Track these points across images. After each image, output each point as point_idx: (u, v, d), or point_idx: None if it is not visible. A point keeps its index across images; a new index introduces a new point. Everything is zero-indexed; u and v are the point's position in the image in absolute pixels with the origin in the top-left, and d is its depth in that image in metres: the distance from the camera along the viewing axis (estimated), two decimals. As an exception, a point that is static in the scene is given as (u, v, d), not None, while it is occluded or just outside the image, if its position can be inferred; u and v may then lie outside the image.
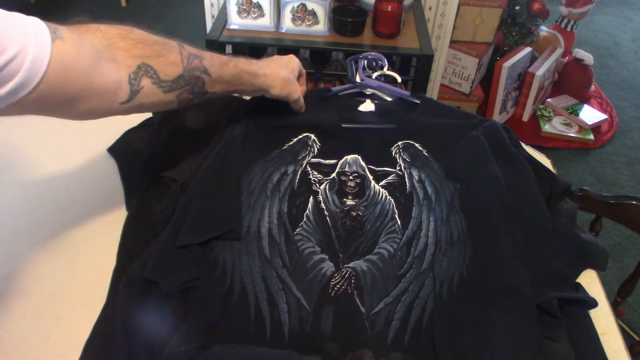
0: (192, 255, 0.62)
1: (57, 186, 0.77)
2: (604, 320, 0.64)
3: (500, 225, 0.66)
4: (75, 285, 0.64)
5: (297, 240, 0.67)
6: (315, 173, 0.75)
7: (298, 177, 0.74)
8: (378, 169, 0.77)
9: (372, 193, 0.73)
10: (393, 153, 0.79)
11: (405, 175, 0.76)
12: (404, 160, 0.78)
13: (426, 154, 0.79)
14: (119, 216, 0.72)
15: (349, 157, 0.78)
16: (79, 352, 0.56)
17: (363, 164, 0.77)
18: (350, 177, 0.75)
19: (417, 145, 0.80)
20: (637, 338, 1.12)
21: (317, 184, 0.74)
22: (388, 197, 0.73)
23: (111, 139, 0.84)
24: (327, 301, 0.61)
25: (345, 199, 0.72)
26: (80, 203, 0.75)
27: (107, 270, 0.64)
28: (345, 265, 0.64)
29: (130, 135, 0.86)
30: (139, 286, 0.58)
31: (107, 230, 0.70)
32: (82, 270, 0.66)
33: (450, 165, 0.76)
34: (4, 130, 0.86)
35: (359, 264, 0.65)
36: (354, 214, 0.71)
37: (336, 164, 0.77)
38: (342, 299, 0.61)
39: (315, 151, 0.78)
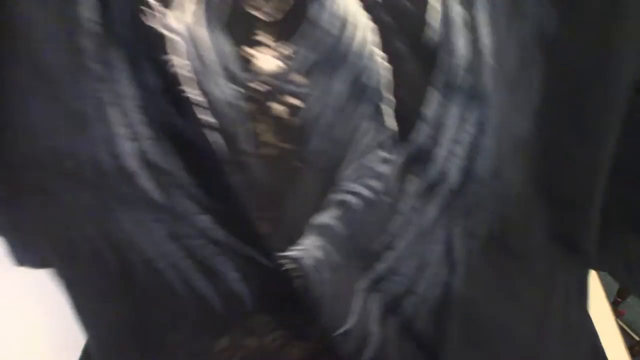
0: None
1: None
2: (604, 320, 0.64)
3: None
4: (76, 285, 0.64)
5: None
6: None
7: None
8: None
9: (327, 20, 0.24)
10: None
11: None
12: None
13: None
14: (119, 216, 0.72)
15: None
16: (79, 352, 0.56)
17: None
18: None
19: None
20: (637, 338, 1.12)
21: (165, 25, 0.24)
22: (367, 44, 0.25)
23: (111, 139, 0.84)
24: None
25: (251, 47, 0.25)
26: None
27: (107, 270, 0.64)
28: (279, 256, 0.29)
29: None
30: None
31: (107, 230, 0.70)
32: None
33: None
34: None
35: (308, 249, 0.29)
36: (276, 108, 0.26)
37: None
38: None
39: None
